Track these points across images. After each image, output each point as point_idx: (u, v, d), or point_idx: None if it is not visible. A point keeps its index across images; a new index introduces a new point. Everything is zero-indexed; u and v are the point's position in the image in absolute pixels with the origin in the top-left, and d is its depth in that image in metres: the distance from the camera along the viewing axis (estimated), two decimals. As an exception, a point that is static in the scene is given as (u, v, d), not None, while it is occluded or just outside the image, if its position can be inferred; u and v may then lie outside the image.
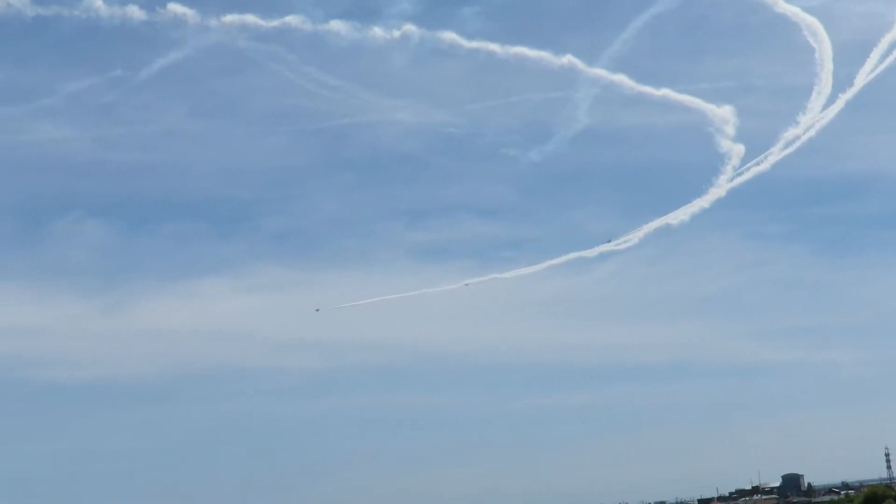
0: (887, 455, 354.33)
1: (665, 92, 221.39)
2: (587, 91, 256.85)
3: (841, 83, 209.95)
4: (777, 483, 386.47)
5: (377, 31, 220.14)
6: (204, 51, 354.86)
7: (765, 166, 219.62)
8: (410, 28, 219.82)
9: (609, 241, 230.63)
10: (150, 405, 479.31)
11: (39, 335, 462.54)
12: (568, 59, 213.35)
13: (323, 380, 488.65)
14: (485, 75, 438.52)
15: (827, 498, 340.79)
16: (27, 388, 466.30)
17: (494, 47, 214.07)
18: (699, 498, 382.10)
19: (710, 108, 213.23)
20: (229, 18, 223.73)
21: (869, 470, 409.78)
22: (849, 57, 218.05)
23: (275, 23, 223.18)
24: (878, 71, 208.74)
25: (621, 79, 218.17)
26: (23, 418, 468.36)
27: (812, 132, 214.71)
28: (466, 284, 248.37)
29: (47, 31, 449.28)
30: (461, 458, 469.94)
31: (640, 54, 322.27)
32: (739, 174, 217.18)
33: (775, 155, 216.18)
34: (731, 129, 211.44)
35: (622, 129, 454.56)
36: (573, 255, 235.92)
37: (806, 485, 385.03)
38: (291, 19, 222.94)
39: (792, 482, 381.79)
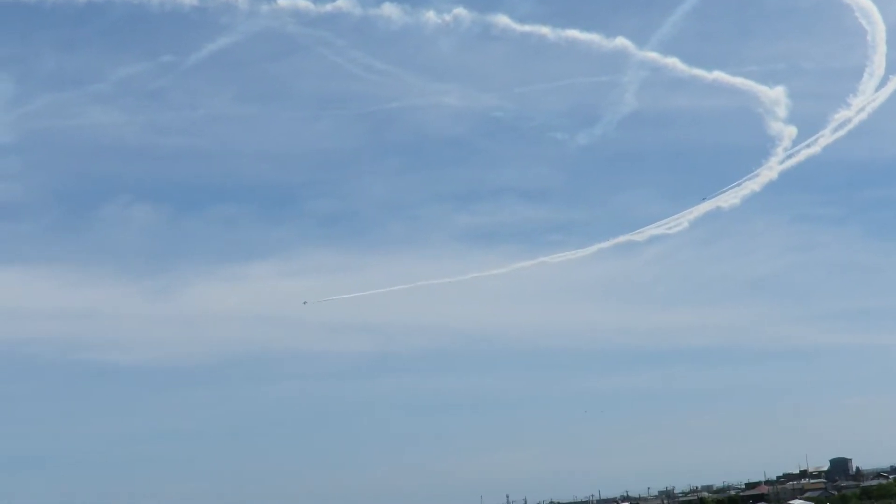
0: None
1: (717, 75, 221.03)
2: (635, 74, 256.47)
3: (893, 65, 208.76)
4: (825, 467, 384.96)
5: (428, 16, 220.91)
6: (253, 36, 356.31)
7: (815, 149, 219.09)
8: (461, 12, 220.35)
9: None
10: (200, 388, 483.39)
11: (89, 319, 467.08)
12: (620, 41, 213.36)
13: (372, 363, 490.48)
14: (532, 59, 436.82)
15: (875, 482, 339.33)
16: (77, 372, 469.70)
17: (546, 31, 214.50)
18: (746, 482, 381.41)
19: (763, 90, 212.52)
20: (281, 3, 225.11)
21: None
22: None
23: (327, 7, 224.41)
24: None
25: (674, 62, 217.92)
26: (73, 401, 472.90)
27: (864, 114, 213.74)
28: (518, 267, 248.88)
29: (98, 17, 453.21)
30: (509, 441, 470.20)
31: (689, 37, 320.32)
32: (790, 156, 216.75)
33: (826, 137, 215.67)
34: (782, 111, 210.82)
35: (670, 111, 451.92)
36: (623, 237, 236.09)
37: (854, 469, 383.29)
38: (342, 3, 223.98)
39: (840, 466, 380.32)
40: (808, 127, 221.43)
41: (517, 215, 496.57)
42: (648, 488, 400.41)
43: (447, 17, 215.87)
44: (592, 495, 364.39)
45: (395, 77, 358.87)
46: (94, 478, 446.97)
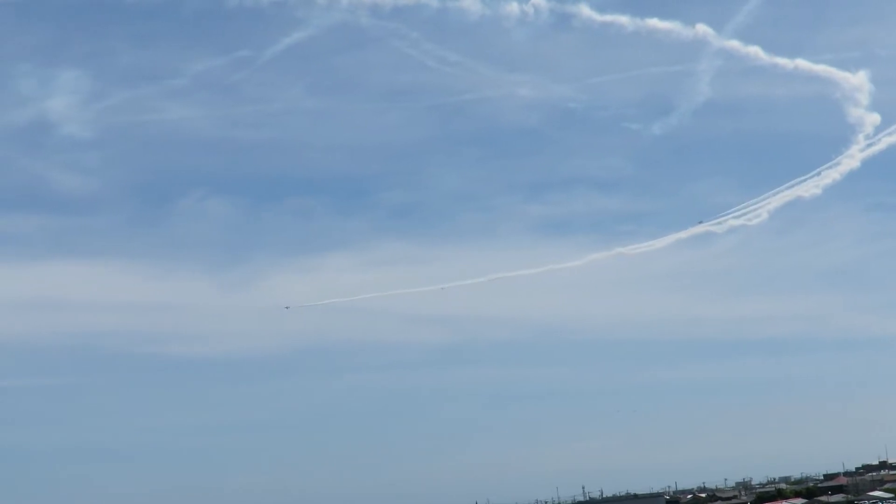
0: None
1: (798, 62, 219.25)
2: (710, 63, 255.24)
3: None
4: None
5: (509, 8, 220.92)
6: (327, 29, 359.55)
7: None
8: (541, 2, 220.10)
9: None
10: (275, 379, 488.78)
11: (165, 311, 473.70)
12: (701, 28, 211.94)
13: (446, 354, 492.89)
14: (606, 48, 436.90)
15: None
16: (153, 364, 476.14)
17: (625, 20, 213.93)
18: (825, 473, 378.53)
19: (845, 77, 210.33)
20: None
21: None
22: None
23: (404, 0, 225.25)
24: None
25: (755, 50, 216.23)
26: (149, 393, 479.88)
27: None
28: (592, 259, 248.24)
29: (176, 13, 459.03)
30: (584, 432, 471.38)
31: (763, 25, 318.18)
32: (872, 144, 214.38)
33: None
34: (864, 98, 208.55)
35: (745, 100, 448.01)
36: (700, 227, 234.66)
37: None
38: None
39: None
40: (887, 114, 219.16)
41: (589, 205, 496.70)
42: (725, 480, 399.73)
43: (527, 8, 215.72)
44: (669, 486, 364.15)
45: (469, 68, 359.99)
46: (169, 469, 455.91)
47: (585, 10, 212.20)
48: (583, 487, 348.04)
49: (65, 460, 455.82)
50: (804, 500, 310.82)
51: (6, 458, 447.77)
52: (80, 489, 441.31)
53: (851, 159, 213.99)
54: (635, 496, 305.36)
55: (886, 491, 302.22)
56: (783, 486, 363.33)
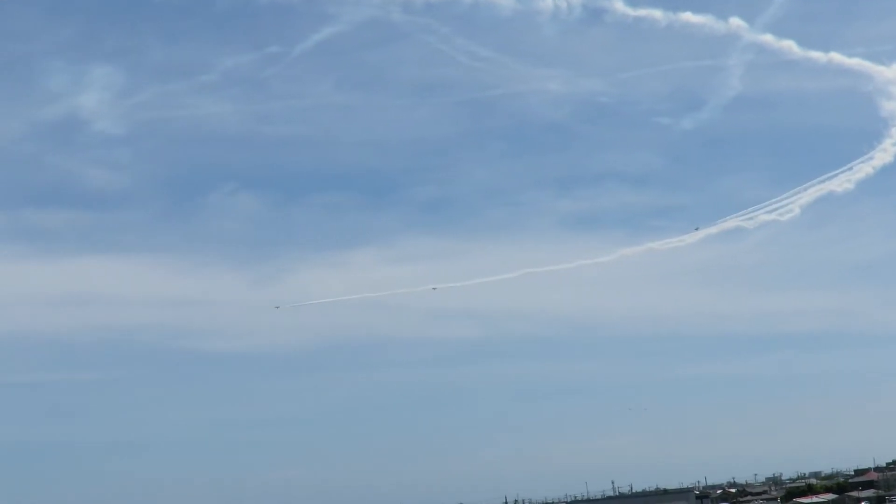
0: None
1: (832, 56, 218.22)
2: (740, 57, 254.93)
3: None
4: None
5: (540, 3, 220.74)
6: (358, 25, 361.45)
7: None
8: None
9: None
10: (304, 374, 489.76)
11: (195, 307, 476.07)
12: (734, 22, 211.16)
13: (476, 349, 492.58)
14: (636, 43, 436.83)
15: None
16: (183, 358, 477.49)
17: (658, 14, 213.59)
18: (855, 468, 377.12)
19: (879, 70, 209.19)
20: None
21: None
22: None
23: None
24: None
25: (789, 44, 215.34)
26: (179, 387, 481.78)
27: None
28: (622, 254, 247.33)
29: (207, 8, 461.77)
30: (614, 427, 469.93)
31: (793, 19, 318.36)
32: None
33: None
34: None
35: (775, 94, 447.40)
36: (731, 222, 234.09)
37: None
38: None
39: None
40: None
41: (619, 200, 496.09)
42: (755, 475, 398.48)
43: (561, 3, 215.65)
44: (698, 482, 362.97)
45: (499, 63, 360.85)
46: (199, 463, 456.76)
47: (619, 6, 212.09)
48: (612, 482, 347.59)
49: (98, 454, 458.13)
50: (834, 496, 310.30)
51: (41, 453, 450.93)
52: (113, 482, 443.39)
53: (884, 153, 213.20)
54: (665, 491, 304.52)
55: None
56: (813, 481, 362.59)
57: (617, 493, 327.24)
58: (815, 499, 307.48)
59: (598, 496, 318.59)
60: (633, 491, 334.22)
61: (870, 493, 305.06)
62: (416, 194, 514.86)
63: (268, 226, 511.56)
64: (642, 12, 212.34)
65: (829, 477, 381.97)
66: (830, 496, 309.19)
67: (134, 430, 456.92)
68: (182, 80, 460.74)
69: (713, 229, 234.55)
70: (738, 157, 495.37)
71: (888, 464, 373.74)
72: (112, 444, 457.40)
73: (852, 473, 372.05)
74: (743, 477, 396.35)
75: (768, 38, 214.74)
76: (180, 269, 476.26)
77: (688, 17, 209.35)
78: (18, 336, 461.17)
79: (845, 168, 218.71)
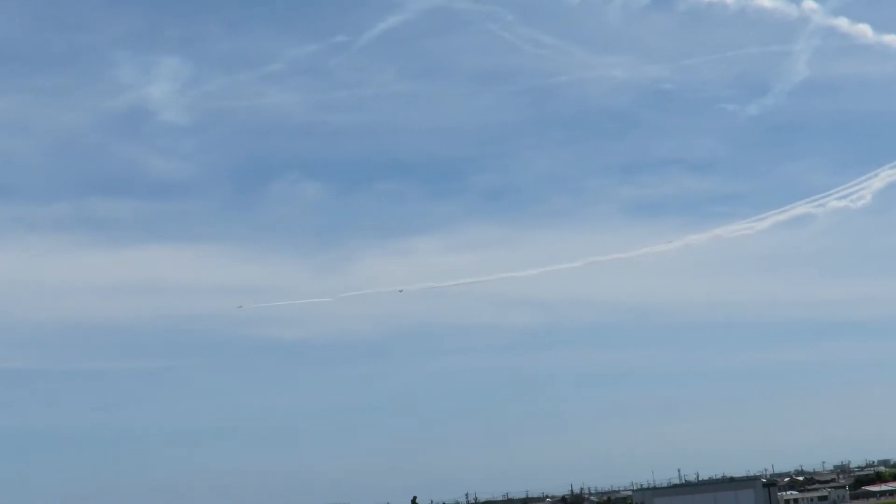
0: None
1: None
2: (807, 42, 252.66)
3: None
4: None
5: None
6: (423, 13, 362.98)
7: None
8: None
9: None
10: (367, 362, 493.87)
11: (259, 293, 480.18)
12: (807, 5, 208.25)
13: (537, 337, 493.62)
14: (700, 29, 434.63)
15: None
16: (247, 346, 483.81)
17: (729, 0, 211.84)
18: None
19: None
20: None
21: None
22: None
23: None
24: None
25: (864, 28, 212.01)
26: (243, 375, 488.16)
27: None
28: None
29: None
30: (679, 415, 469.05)
31: (862, 2, 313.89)
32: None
33: None
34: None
35: (841, 79, 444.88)
36: (798, 208, 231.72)
37: None
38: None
39: None
40: None
41: (682, 187, 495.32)
42: (823, 463, 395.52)
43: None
44: (765, 469, 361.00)
45: (562, 51, 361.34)
46: (265, 450, 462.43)
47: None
48: (678, 470, 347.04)
49: (164, 441, 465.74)
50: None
51: (109, 439, 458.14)
52: (179, 469, 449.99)
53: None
54: (731, 479, 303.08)
55: None
56: (882, 469, 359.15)
57: (683, 482, 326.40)
58: (883, 486, 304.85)
59: (665, 484, 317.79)
60: (700, 479, 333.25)
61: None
62: (478, 182, 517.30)
63: (331, 214, 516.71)
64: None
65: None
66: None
67: (197, 418, 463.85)
68: (247, 70, 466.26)
69: (781, 216, 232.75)
70: (802, 143, 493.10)
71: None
72: (176, 432, 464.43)
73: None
74: (811, 465, 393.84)
75: (842, 21, 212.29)
76: (245, 257, 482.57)
77: (761, 1, 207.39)
78: (83, 324, 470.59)
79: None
